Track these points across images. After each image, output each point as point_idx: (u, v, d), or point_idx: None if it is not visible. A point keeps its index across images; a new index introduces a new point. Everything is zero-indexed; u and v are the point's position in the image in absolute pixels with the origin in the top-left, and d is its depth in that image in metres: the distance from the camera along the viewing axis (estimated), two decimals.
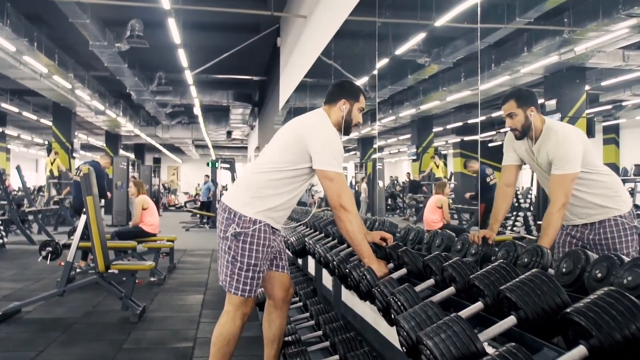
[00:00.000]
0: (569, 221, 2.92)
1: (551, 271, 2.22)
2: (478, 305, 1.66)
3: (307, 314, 3.53)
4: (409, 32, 9.30)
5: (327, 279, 4.42)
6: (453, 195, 14.77)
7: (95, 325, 4.45)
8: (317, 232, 4.11)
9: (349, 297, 3.95)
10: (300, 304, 3.86)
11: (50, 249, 5.62)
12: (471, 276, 1.71)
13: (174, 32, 8.70)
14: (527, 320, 1.44)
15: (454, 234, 3.00)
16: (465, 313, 1.63)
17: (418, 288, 2.00)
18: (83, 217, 4.78)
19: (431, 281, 2.05)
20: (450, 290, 1.86)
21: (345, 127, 2.70)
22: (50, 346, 3.86)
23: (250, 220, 2.55)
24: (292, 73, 9.26)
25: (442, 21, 7.73)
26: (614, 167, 17.32)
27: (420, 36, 9.15)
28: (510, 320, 1.48)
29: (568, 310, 1.28)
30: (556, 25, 8.68)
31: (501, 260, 1.74)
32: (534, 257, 2.21)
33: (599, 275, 1.85)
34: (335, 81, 2.82)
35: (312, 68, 7.66)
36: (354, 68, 12.28)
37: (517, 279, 1.53)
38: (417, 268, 2.27)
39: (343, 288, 3.57)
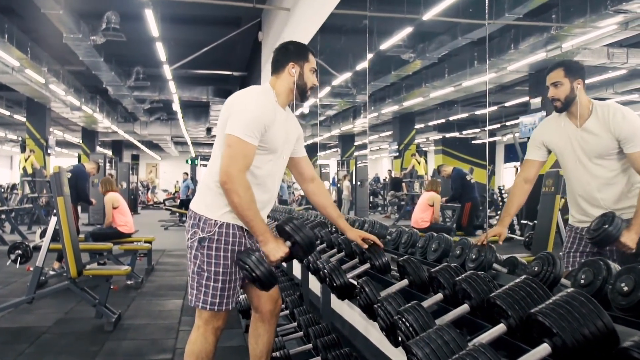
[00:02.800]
0: (582, 223, 2.68)
1: (565, 281, 2.05)
2: (500, 328, 1.45)
3: (295, 324, 3.31)
4: (395, 27, 9.11)
5: (314, 284, 4.22)
6: None
7: (66, 335, 4.17)
8: None
9: (336, 302, 3.73)
10: (287, 312, 3.63)
11: (19, 251, 5.29)
12: (492, 294, 1.50)
13: (152, 24, 8.38)
14: (565, 349, 1.24)
15: (451, 238, 2.81)
16: (485, 337, 1.43)
17: (425, 304, 1.79)
18: (54, 219, 4.49)
19: (439, 296, 1.84)
20: (464, 308, 1.65)
21: (301, 92, 2.42)
22: None
23: (215, 224, 2.27)
24: None
25: (429, 15, 7.54)
26: None
27: (407, 31, 8.95)
28: (544, 349, 1.27)
29: (627, 345, 1.07)
30: (544, 21, 8.56)
31: (525, 276, 1.53)
32: (544, 266, 2.02)
33: (625, 288, 1.66)
34: (277, 46, 2.49)
35: None
36: (337, 64, 12.08)
37: (550, 300, 1.32)
38: (421, 280, 2.06)
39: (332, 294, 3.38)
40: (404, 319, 1.60)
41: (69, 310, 4.90)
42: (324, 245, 3.35)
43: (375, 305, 1.87)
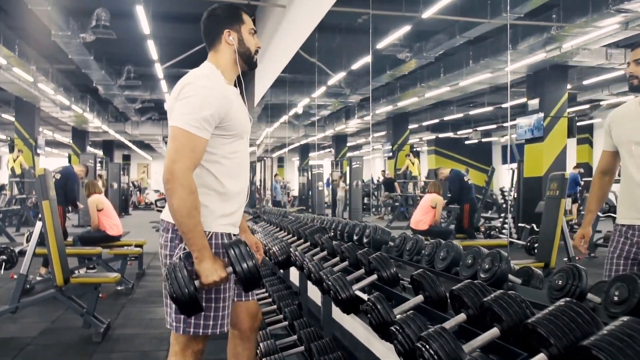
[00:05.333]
0: (632, 219, 2.46)
1: (593, 297, 1.88)
2: (540, 358, 1.27)
3: (295, 337, 3.12)
4: (392, 25, 8.96)
5: (313, 292, 4.04)
6: None
7: (52, 346, 3.96)
8: (302, 240, 3.70)
9: (337, 311, 3.55)
10: (286, 323, 3.44)
11: (4, 257, 5.07)
12: (531, 320, 1.32)
13: (143, 21, 8.18)
14: None
15: (460, 246, 2.64)
16: None
17: (447, 325, 1.62)
18: (39, 224, 4.27)
19: (463, 317, 1.66)
20: (494, 332, 1.47)
21: (246, 60, 2.12)
22: None
23: (204, 235, 1.94)
24: (268, 68, 8.82)
25: (429, 13, 7.39)
26: (587, 166, 17.32)
27: (405, 29, 8.80)
28: None
29: None
30: (544, 21, 8.44)
31: (568, 299, 1.36)
32: (569, 280, 1.84)
33: None
34: (204, 16, 2.15)
35: (291, 63, 7.26)
36: (332, 63, 11.92)
37: (604, 331, 1.14)
38: (438, 296, 1.89)
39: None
40: (427, 346, 1.42)
41: (55, 319, 4.68)
42: (325, 253, 3.16)
43: (393, 328, 1.68)
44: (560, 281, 1.87)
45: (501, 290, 1.56)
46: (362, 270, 2.57)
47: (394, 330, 1.66)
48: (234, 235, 2.10)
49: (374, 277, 2.39)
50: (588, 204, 2.74)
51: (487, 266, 2.31)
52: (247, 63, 2.14)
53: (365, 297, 2.23)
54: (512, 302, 1.47)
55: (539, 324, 1.29)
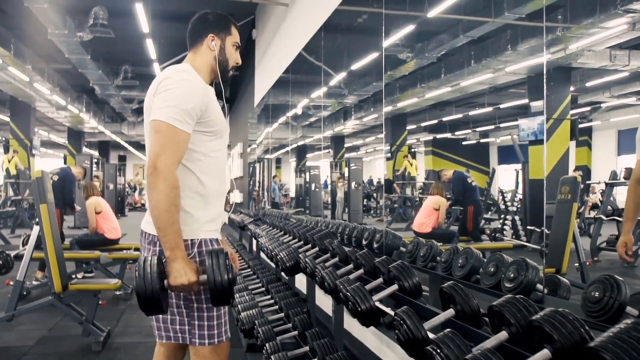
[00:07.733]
0: None
1: (632, 311, 1.75)
2: None
3: (307, 348, 2.98)
4: (394, 25, 8.83)
5: (321, 299, 3.91)
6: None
7: (50, 355, 3.81)
8: (310, 246, 3.56)
9: (345, 319, 3.43)
10: (296, 333, 3.30)
11: None
12: (593, 344, 1.18)
13: (142, 19, 8.04)
14: None
15: (480, 253, 2.51)
16: None
17: (488, 344, 1.49)
18: (36, 228, 4.11)
19: (504, 335, 1.53)
20: (545, 355, 1.34)
21: (223, 69, 2.11)
22: None
23: (192, 244, 1.92)
24: (268, 68, 8.70)
25: (434, 12, 7.27)
26: (586, 169, 17.22)
27: (409, 29, 8.68)
28: None
29: None
30: (549, 21, 8.33)
31: (634, 320, 1.22)
32: (607, 292, 1.72)
33: None
34: (195, 16, 2.16)
35: (293, 63, 7.14)
36: (333, 64, 11.78)
37: None
38: (472, 310, 1.75)
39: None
40: None
41: (53, 326, 4.53)
42: (336, 259, 3.03)
43: (429, 348, 1.54)
44: (596, 293, 1.75)
45: (551, 308, 1.42)
46: (380, 280, 2.44)
47: (431, 350, 1.53)
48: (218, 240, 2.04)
49: (395, 287, 2.26)
50: (626, 213, 2.72)
51: (512, 275, 2.19)
52: (222, 73, 2.12)
53: (388, 310, 2.10)
54: (566, 321, 1.34)
55: (604, 349, 1.15)
